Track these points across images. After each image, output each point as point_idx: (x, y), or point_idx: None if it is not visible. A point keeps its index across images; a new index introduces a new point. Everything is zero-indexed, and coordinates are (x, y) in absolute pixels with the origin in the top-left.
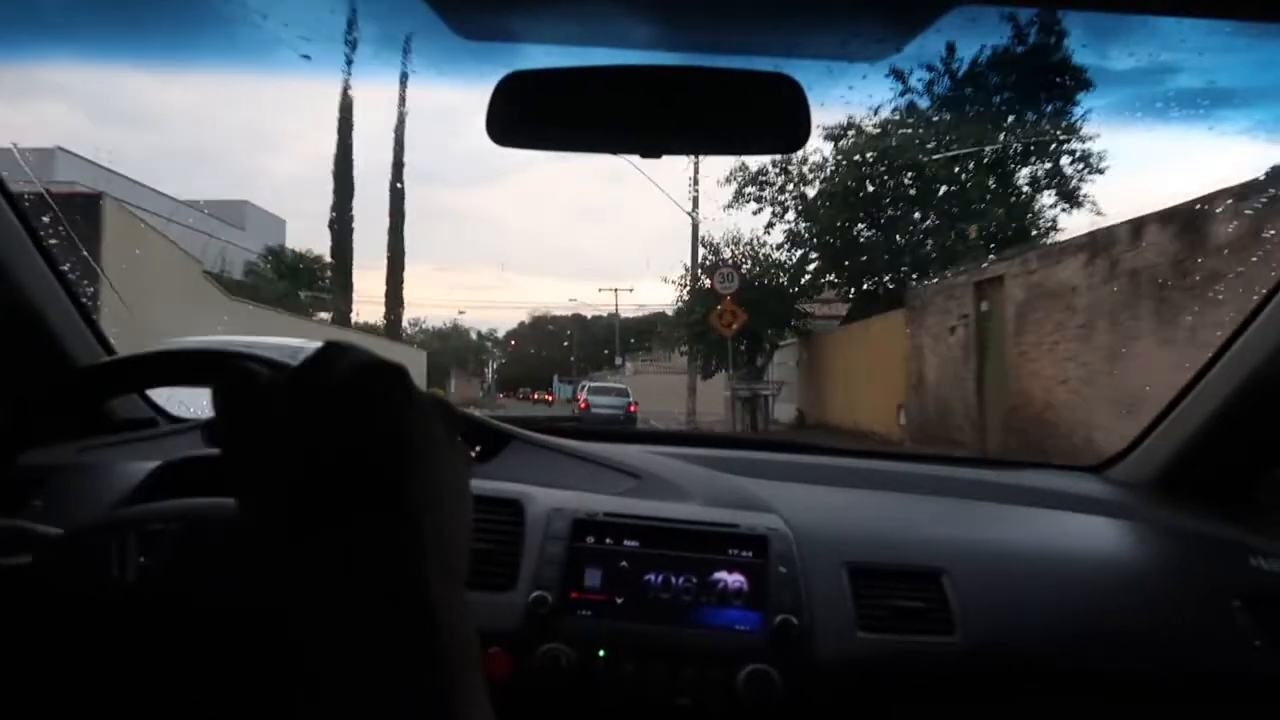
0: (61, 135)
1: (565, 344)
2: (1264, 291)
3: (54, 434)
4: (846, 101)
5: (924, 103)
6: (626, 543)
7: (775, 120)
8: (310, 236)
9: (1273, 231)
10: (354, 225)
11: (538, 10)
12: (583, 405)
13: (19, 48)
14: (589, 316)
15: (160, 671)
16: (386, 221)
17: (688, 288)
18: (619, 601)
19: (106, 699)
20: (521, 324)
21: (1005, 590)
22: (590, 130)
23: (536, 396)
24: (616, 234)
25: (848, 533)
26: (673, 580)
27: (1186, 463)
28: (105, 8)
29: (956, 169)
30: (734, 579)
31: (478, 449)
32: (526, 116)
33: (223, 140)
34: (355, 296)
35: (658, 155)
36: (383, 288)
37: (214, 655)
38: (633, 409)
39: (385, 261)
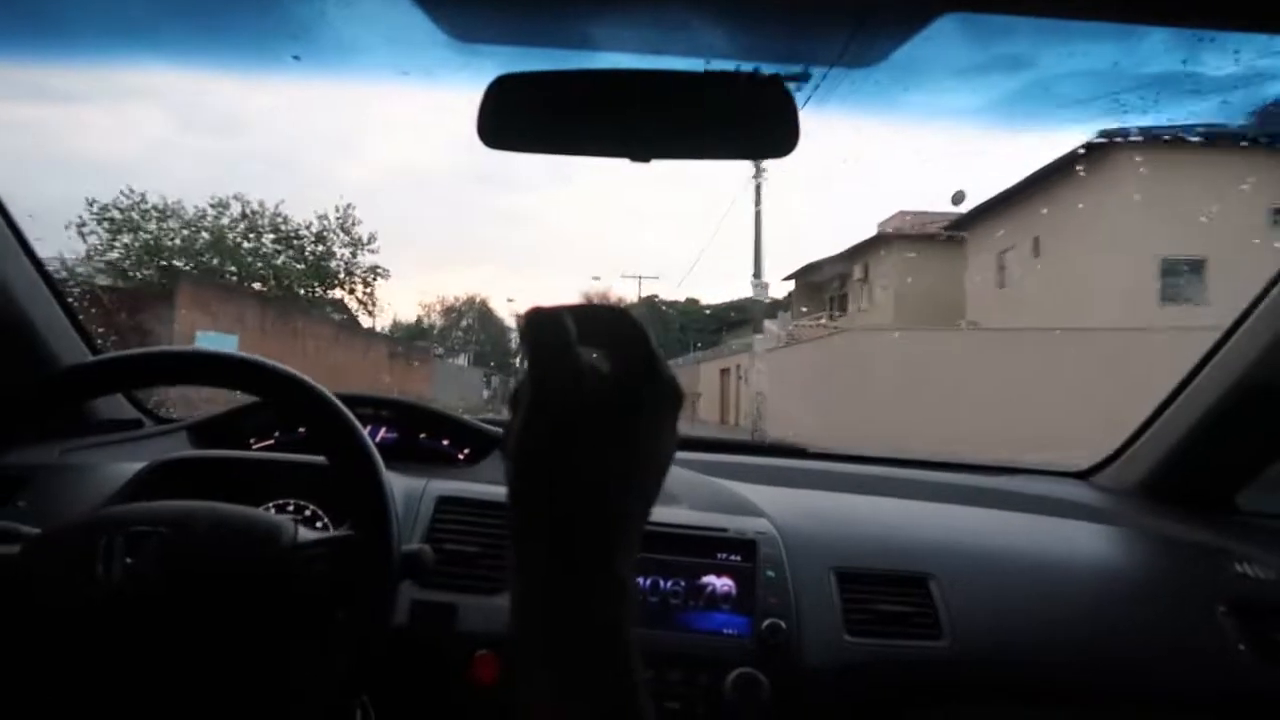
0: (151, 139)
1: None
2: (1250, 299)
3: (39, 434)
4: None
5: (918, 110)
6: None
7: (764, 126)
8: None
9: None
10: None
11: (527, 13)
12: None
13: (107, 50)
14: (664, 299)
15: (144, 673)
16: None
17: None
18: None
19: (89, 700)
20: None
21: (992, 595)
22: (580, 134)
23: None
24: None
25: (836, 537)
26: (661, 584)
27: (1172, 469)
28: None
29: None
30: (722, 583)
31: (466, 452)
32: (516, 119)
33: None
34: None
35: (646, 159)
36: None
37: (198, 658)
38: None
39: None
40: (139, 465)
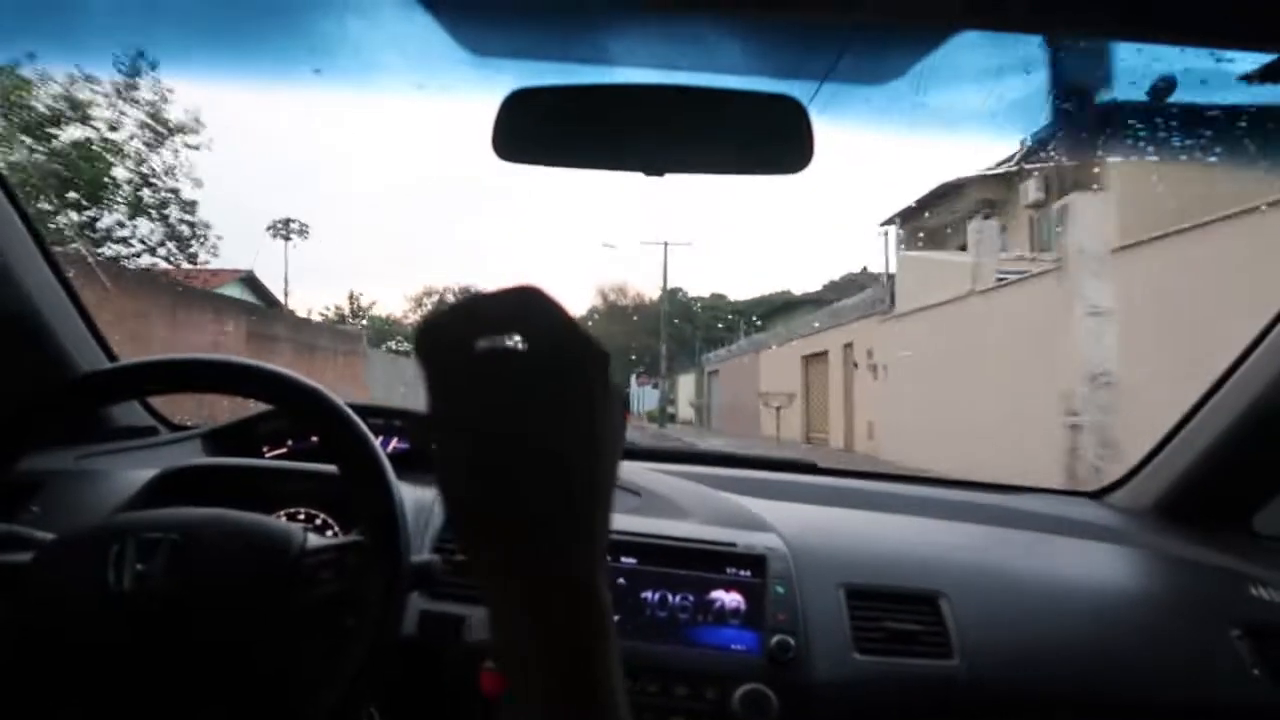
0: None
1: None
2: (1267, 321)
3: (54, 439)
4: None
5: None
6: (624, 560)
7: (778, 142)
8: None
9: None
10: None
11: (543, 27)
12: None
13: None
14: (686, 295)
15: (154, 680)
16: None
17: None
18: (615, 619)
19: (99, 706)
20: (594, 310)
21: (1003, 614)
22: (594, 148)
23: None
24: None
25: (845, 553)
26: (670, 598)
27: (1186, 490)
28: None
29: None
30: (731, 598)
31: None
32: (530, 133)
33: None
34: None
35: (660, 174)
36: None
37: (207, 664)
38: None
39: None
40: (152, 472)
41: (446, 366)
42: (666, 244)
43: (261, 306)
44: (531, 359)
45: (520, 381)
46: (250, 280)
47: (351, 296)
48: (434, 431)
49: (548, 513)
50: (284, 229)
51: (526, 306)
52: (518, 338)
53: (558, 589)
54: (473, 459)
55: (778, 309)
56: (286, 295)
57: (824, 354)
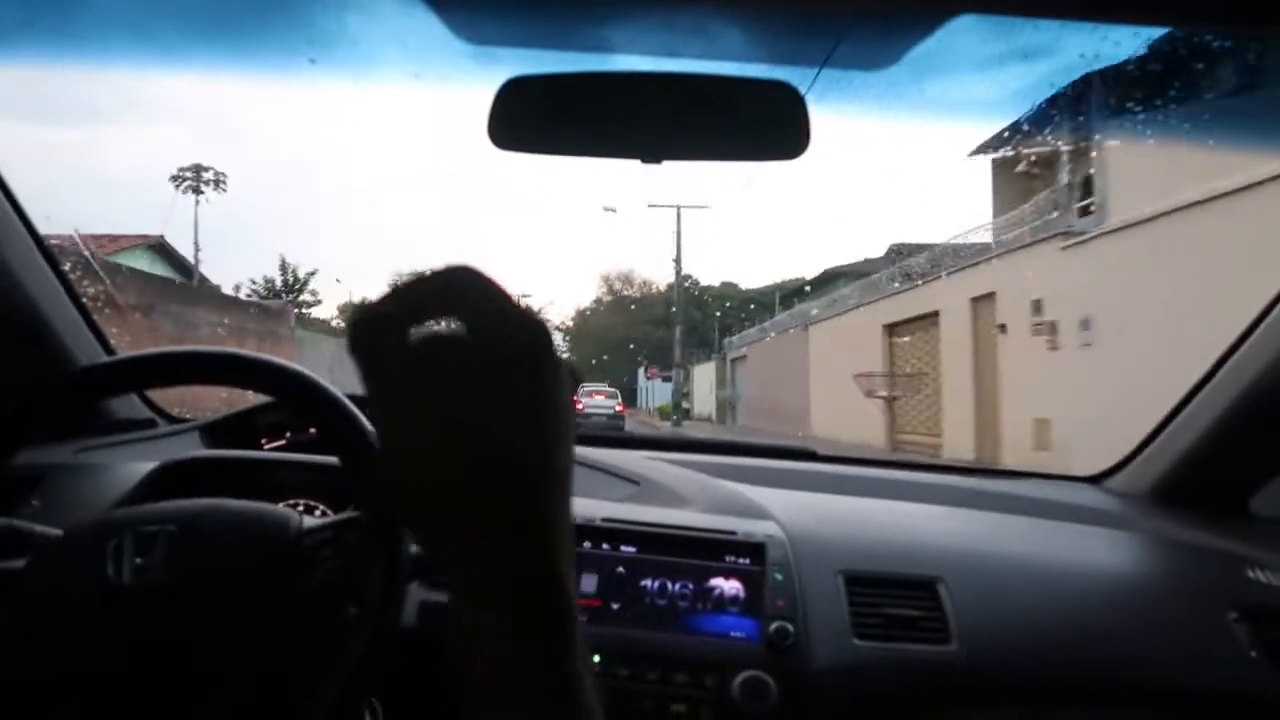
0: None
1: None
2: (1264, 304)
3: (53, 433)
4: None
5: (928, 112)
6: (624, 548)
7: (775, 128)
8: None
9: None
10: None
11: (540, 16)
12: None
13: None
14: (698, 284)
15: (154, 673)
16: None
17: None
18: (615, 607)
19: (101, 701)
20: (597, 302)
21: (1002, 600)
22: (590, 135)
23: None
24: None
25: (844, 540)
26: (669, 586)
27: (1184, 474)
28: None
29: None
30: (730, 585)
31: None
32: (527, 121)
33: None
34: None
35: (658, 161)
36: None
37: (208, 656)
38: (620, 409)
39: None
40: (151, 465)
41: (384, 359)
42: (679, 208)
43: (173, 280)
44: (471, 343)
45: (461, 367)
46: (160, 247)
47: (284, 265)
48: (377, 425)
49: (500, 500)
50: (194, 179)
51: (461, 288)
52: (455, 321)
53: (516, 578)
54: (418, 450)
55: (797, 292)
56: (198, 262)
57: (929, 317)
